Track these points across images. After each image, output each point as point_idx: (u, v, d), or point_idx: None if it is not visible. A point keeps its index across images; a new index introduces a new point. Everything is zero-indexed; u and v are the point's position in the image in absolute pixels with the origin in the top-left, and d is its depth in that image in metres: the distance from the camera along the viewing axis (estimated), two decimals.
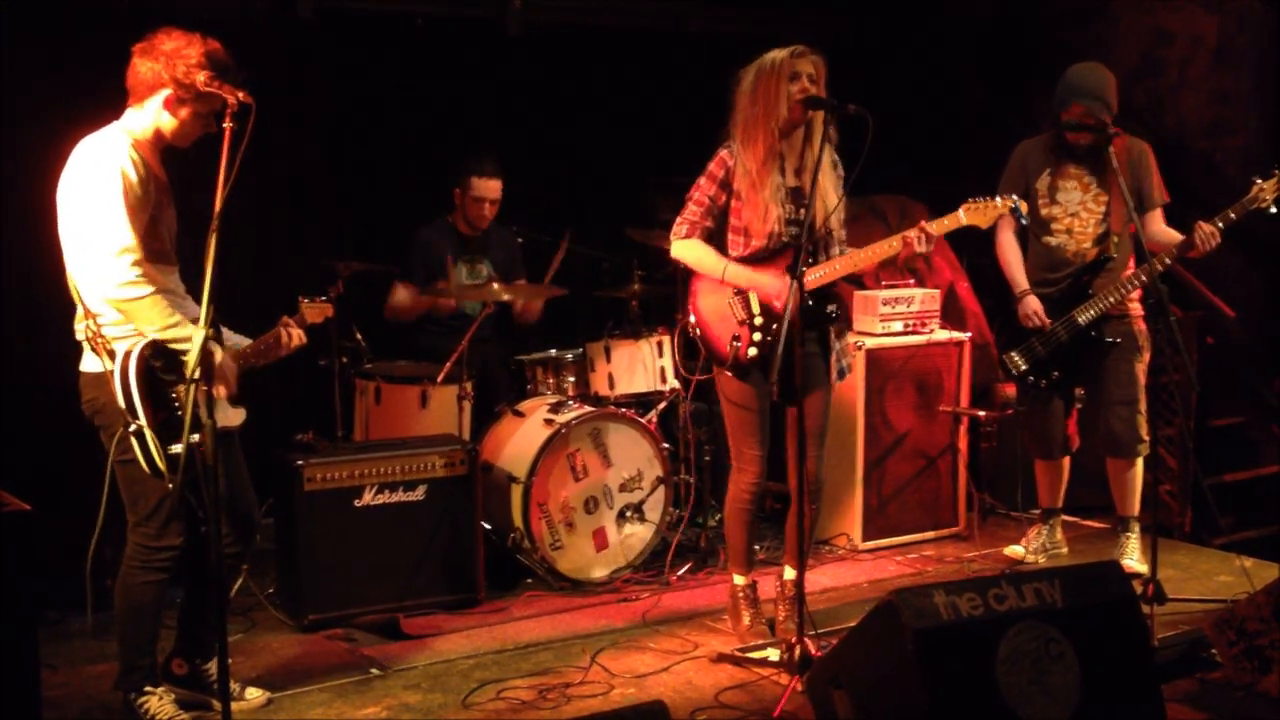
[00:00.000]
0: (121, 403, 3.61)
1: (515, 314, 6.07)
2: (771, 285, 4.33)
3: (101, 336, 3.66)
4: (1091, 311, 5.12)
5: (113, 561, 3.95)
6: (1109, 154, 4.75)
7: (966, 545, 5.83)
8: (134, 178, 3.63)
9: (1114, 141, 4.99)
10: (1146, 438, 5.23)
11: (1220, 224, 4.88)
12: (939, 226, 4.29)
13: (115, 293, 3.59)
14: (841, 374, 4.56)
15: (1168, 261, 4.96)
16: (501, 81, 6.67)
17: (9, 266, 5.10)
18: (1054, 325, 5.20)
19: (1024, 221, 4.85)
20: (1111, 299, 5.09)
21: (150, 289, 3.61)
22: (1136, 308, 5.22)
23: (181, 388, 3.66)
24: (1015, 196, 4.36)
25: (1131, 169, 4.95)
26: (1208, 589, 5.13)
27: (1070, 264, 5.22)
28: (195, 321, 3.72)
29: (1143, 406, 5.23)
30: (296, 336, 3.99)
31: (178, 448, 3.64)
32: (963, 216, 4.30)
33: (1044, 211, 5.25)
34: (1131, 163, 4.99)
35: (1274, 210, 4.84)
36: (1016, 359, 5.32)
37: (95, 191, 3.60)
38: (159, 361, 3.66)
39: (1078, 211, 5.19)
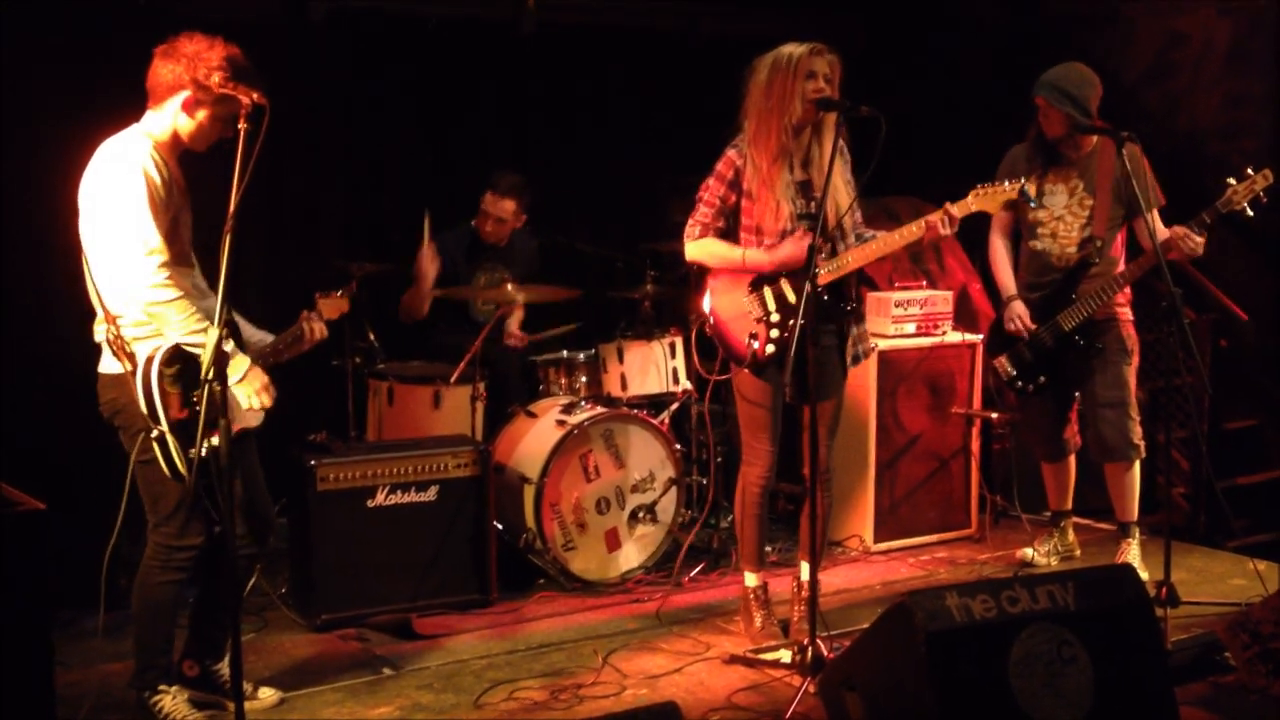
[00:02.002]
0: (144, 408, 3.62)
1: (506, 339, 6.05)
2: (793, 253, 4.31)
3: (122, 339, 3.67)
4: (1076, 316, 5.10)
5: (128, 560, 3.96)
6: (1097, 156, 4.70)
7: (979, 547, 5.82)
8: (157, 180, 3.65)
9: (1085, 140, 5.01)
10: (1139, 442, 5.20)
11: (1196, 228, 4.86)
12: (962, 208, 4.27)
13: (145, 294, 3.60)
14: (856, 359, 4.56)
15: (1146, 267, 4.95)
16: (514, 82, 6.68)
17: (23, 267, 5.12)
18: (1040, 330, 5.19)
19: (1033, 203, 4.81)
20: (1095, 303, 5.07)
21: (178, 292, 3.63)
22: (1125, 311, 5.19)
23: (199, 392, 3.68)
24: (1023, 179, 4.35)
25: (1122, 169, 4.87)
26: (1221, 592, 5.11)
27: (1055, 268, 5.19)
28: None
29: (1133, 411, 5.19)
30: (319, 330, 4.01)
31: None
32: (971, 202, 4.28)
33: (1031, 217, 5.23)
34: (1120, 163, 4.89)
35: (1250, 212, 4.83)
36: (1005, 364, 5.32)
37: (120, 193, 3.62)
38: (179, 365, 3.67)
39: (1063, 215, 5.17)
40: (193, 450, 3.62)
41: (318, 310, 4.09)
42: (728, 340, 4.52)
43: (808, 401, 4.33)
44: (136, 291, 3.61)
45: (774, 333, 4.41)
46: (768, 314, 4.43)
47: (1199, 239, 4.86)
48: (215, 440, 3.54)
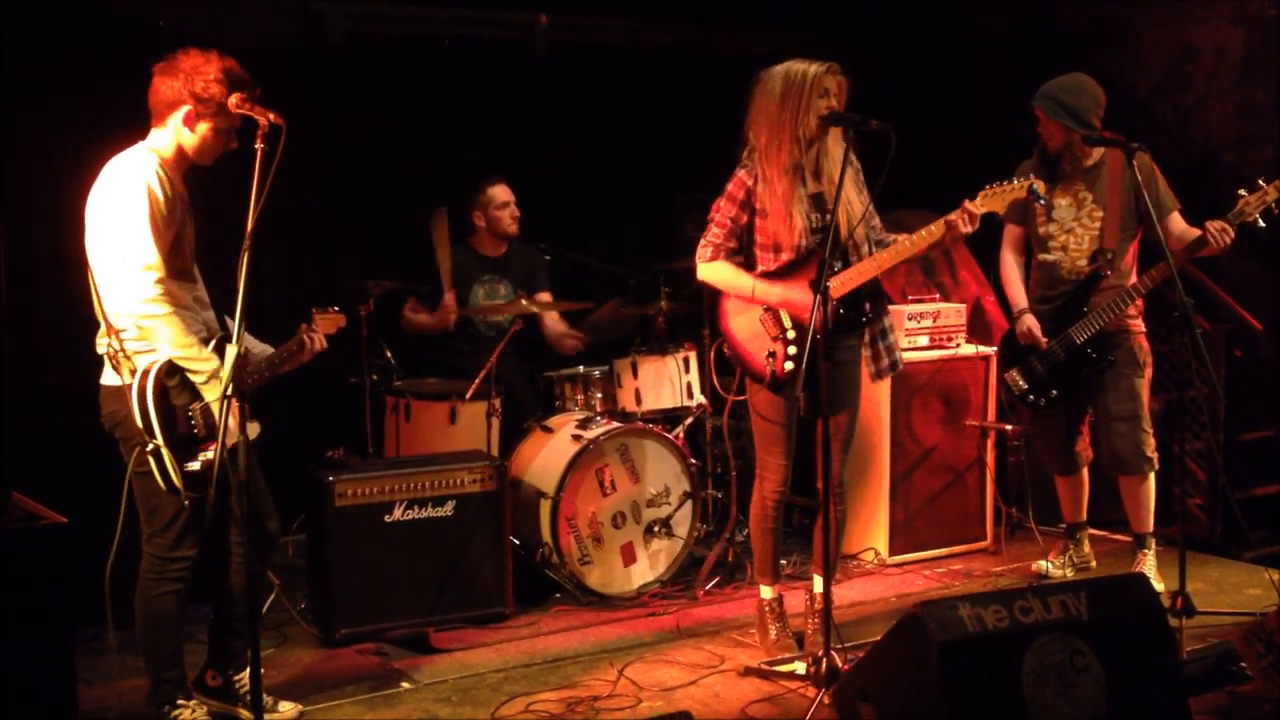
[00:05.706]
0: (139, 421, 3.67)
1: (549, 339, 6.11)
2: (802, 299, 4.34)
3: (123, 352, 3.73)
4: (1088, 329, 5.10)
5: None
6: (1106, 166, 4.68)
7: (994, 560, 5.83)
8: (160, 196, 3.71)
9: (1087, 152, 5.04)
10: (1152, 455, 5.19)
11: (1233, 221, 4.85)
12: (979, 206, 4.27)
13: (138, 309, 3.66)
14: (891, 368, 4.59)
15: (1159, 279, 4.91)
16: (528, 101, 6.73)
17: (42, 280, 5.17)
18: (1052, 343, 5.19)
19: (1043, 202, 4.80)
20: (1107, 315, 5.07)
21: (169, 308, 3.68)
22: (1137, 323, 5.18)
23: (196, 405, 3.74)
24: (1031, 176, 4.36)
25: (1132, 180, 4.80)
26: (1237, 602, 5.11)
27: (1066, 281, 5.20)
28: (215, 336, 3.81)
29: (1146, 424, 5.19)
30: (318, 341, 4.05)
31: (194, 465, 3.70)
32: (980, 202, 4.27)
33: (1042, 230, 5.24)
34: (1130, 174, 4.80)
35: (1262, 223, 4.83)
36: (1017, 378, 5.32)
37: (123, 210, 3.68)
38: (173, 380, 3.72)
39: (1072, 228, 5.18)
40: (190, 464, 3.68)
41: (315, 324, 4.14)
42: (746, 359, 4.54)
43: (821, 415, 4.34)
44: (129, 305, 3.67)
45: (792, 349, 4.43)
46: (784, 331, 4.45)
47: (1233, 231, 4.83)
48: (210, 454, 3.59)
